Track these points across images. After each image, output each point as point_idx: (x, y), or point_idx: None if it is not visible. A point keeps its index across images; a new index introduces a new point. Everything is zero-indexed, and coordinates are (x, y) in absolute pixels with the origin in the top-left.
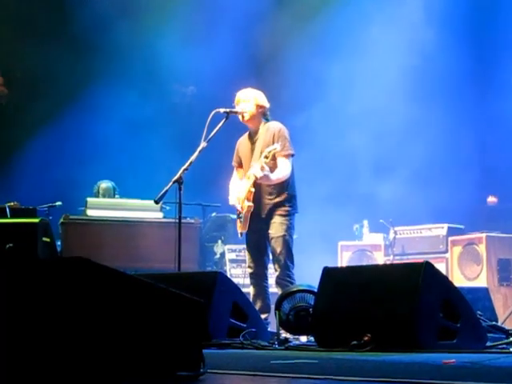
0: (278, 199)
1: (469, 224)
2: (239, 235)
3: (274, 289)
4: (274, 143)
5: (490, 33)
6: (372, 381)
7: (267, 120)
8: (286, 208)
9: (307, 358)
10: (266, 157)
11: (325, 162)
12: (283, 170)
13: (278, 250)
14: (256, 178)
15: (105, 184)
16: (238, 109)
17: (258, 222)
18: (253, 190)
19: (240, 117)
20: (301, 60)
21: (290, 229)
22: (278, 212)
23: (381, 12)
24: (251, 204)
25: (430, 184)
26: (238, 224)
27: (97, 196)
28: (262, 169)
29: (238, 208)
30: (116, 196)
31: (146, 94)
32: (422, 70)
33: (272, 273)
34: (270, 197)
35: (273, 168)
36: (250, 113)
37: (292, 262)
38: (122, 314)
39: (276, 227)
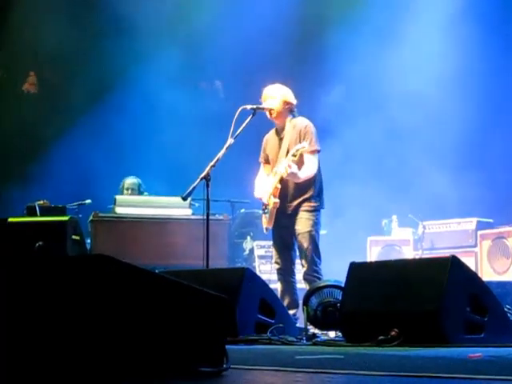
0: (304, 195)
1: (498, 218)
2: (264, 230)
3: (301, 284)
4: (300, 139)
5: None
6: (398, 375)
7: (294, 116)
8: (313, 204)
9: (333, 353)
10: (294, 155)
11: (354, 156)
12: (310, 167)
13: (305, 245)
14: (283, 175)
15: (130, 180)
16: (264, 105)
17: (285, 217)
18: (279, 186)
19: (267, 113)
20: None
21: (316, 224)
22: (305, 208)
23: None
24: (277, 200)
25: (459, 178)
26: (264, 220)
27: (122, 192)
28: (289, 167)
29: (264, 201)
30: (144, 193)
31: (175, 89)
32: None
33: (299, 268)
34: (296, 193)
35: (299, 164)
36: (277, 109)
37: (319, 258)
38: (144, 311)
39: (302, 223)
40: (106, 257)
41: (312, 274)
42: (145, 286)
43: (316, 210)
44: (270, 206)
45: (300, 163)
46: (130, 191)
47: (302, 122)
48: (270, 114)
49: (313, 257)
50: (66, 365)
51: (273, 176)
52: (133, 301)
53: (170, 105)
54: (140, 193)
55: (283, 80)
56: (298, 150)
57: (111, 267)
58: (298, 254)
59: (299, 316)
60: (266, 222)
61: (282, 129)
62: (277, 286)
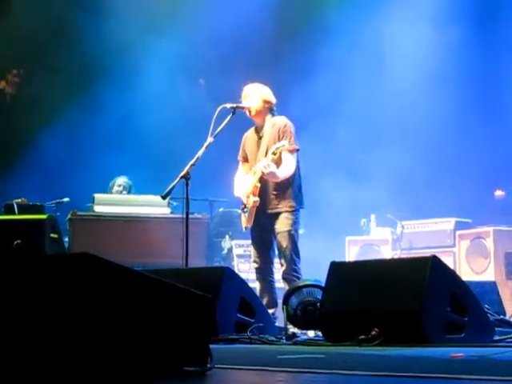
0: (283, 194)
1: (476, 218)
2: (243, 229)
3: (280, 284)
4: (279, 138)
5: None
6: (380, 375)
7: (273, 115)
8: (292, 203)
9: (314, 352)
10: (274, 153)
11: (331, 156)
12: (288, 166)
13: (284, 244)
14: (263, 173)
15: (121, 180)
16: (244, 104)
17: (264, 216)
18: (259, 185)
19: (247, 112)
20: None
21: (295, 224)
22: (284, 207)
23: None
24: (257, 199)
25: (437, 178)
26: (243, 218)
27: (111, 191)
28: (268, 167)
29: (244, 200)
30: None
31: (155, 87)
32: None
33: (278, 267)
34: (275, 192)
35: (278, 163)
36: (257, 108)
37: (298, 257)
38: (129, 310)
39: (281, 222)
40: (90, 255)
41: (291, 273)
42: (129, 285)
43: (295, 210)
44: (250, 205)
45: (279, 162)
46: (121, 193)
47: (281, 120)
48: (250, 113)
49: (292, 256)
50: (49, 365)
51: (252, 175)
52: (117, 300)
53: (154, 101)
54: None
55: (262, 77)
56: (278, 149)
57: (96, 266)
58: (276, 253)
59: (278, 315)
60: (245, 221)
61: (262, 127)
62: (255, 286)
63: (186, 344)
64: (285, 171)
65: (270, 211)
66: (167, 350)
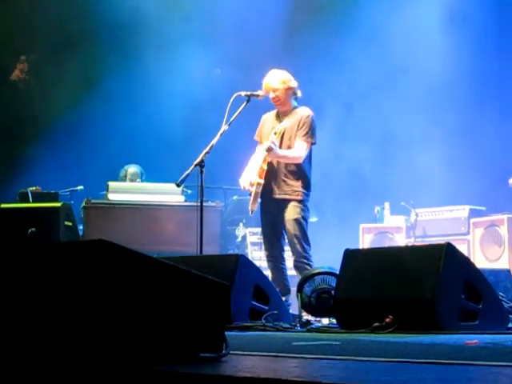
0: (294, 182)
1: (490, 206)
2: (250, 213)
3: (292, 271)
4: (298, 127)
5: None
6: (398, 361)
7: (296, 98)
8: (301, 192)
9: (329, 339)
10: (275, 133)
11: (345, 144)
12: (295, 151)
13: (293, 232)
14: (265, 155)
15: (132, 169)
16: (259, 92)
17: (273, 204)
18: (265, 167)
19: (271, 100)
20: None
21: (304, 211)
22: (293, 195)
23: None
24: (261, 181)
25: (451, 166)
26: (250, 202)
27: (123, 180)
28: (270, 149)
29: (247, 188)
30: (143, 181)
31: (169, 77)
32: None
33: (290, 255)
34: (286, 178)
35: (290, 146)
36: (282, 98)
37: (308, 244)
38: (144, 296)
39: (290, 210)
40: (106, 242)
41: (302, 261)
42: (146, 272)
43: (304, 198)
44: (254, 187)
45: (291, 146)
46: (132, 181)
47: (304, 111)
48: (275, 102)
49: (302, 244)
50: (67, 353)
51: (260, 155)
52: (134, 287)
53: (166, 92)
54: (142, 182)
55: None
56: (279, 129)
57: (112, 252)
58: (286, 241)
59: (291, 302)
60: (250, 204)
61: (285, 114)
62: (268, 273)
63: (201, 330)
64: (291, 152)
65: (278, 196)
66: (183, 336)
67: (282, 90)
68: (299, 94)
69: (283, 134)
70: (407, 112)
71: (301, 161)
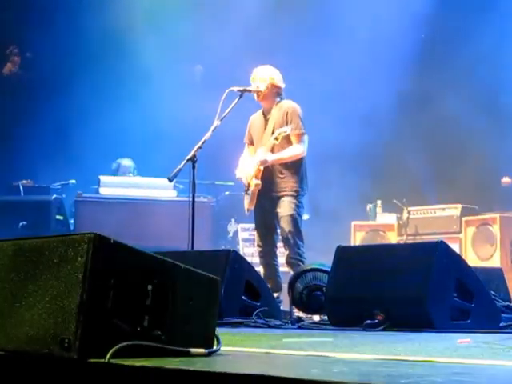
0: (289, 178)
1: (483, 204)
2: (246, 212)
3: (284, 268)
4: (286, 122)
5: None
6: (385, 359)
7: (281, 99)
8: (297, 187)
9: (320, 336)
10: (276, 139)
11: (338, 142)
12: (293, 149)
13: (287, 229)
14: (261, 162)
15: (125, 162)
16: (252, 87)
17: (267, 200)
18: (261, 168)
19: (255, 95)
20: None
21: (298, 208)
22: (288, 191)
23: None
24: (259, 182)
25: (444, 164)
26: (246, 201)
27: (115, 173)
28: (264, 162)
29: (244, 182)
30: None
31: (160, 73)
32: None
33: (282, 252)
34: (281, 175)
35: (285, 146)
36: (265, 92)
37: (302, 241)
38: (136, 290)
39: (284, 206)
40: (98, 235)
41: (295, 257)
42: (141, 266)
43: (298, 194)
44: (252, 188)
45: (287, 144)
46: (125, 174)
47: (288, 104)
48: (258, 96)
49: (295, 240)
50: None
51: (256, 157)
52: (129, 281)
53: (157, 86)
54: (133, 176)
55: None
56: (280, 134)
57: (104, 245)
58: (280, 237)
59: (282, 299)
60: (247, 204)
61: (269, 111)
62: (260, 269)
63: (192, 325)
64: (291, 152)
65: (274, 194)
66: (173, 331)
67: (268, 85)
68: (283, 96)
69: (273, 127)
70: (397, 109)
71: (304, 154)
